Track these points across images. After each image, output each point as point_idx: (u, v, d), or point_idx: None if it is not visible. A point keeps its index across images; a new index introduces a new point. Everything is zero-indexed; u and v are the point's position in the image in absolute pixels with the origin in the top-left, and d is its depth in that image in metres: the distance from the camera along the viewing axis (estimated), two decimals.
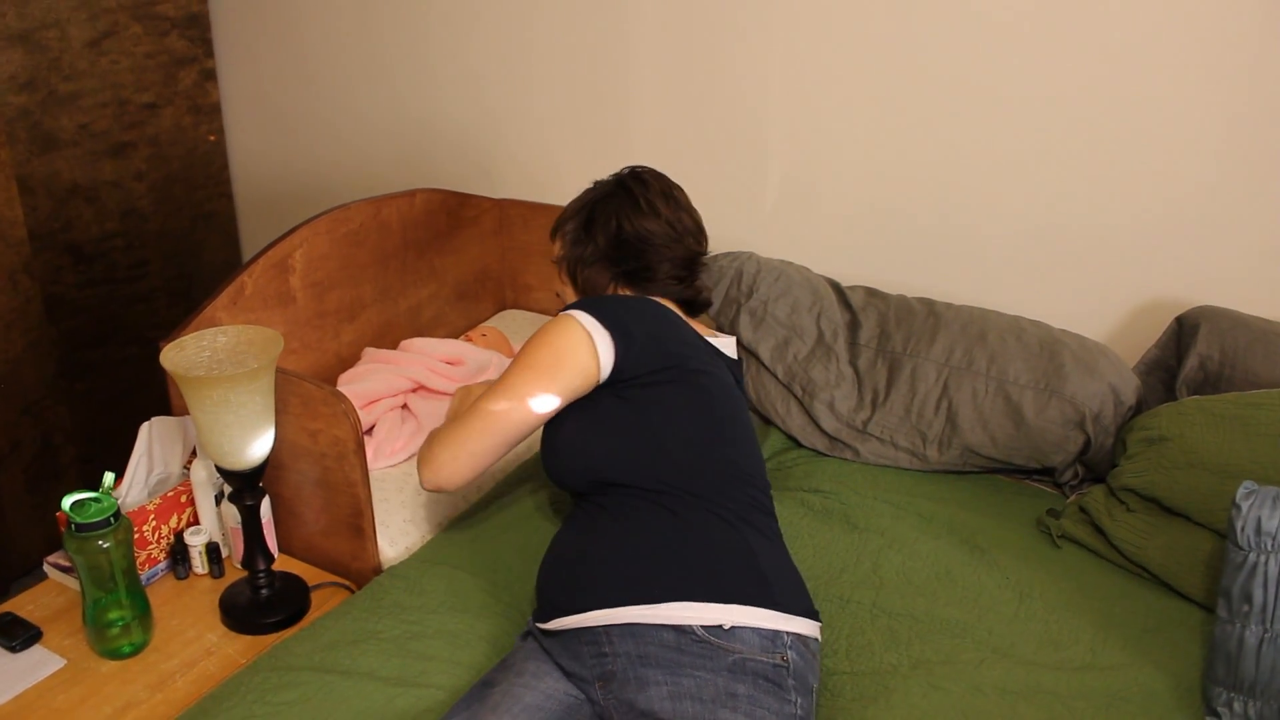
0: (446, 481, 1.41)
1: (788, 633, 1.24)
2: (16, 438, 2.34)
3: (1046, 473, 1.81)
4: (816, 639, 1.30)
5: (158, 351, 1.37)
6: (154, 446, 1.60)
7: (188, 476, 1.63)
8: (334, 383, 1.91)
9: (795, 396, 1.86)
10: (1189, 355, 1.73)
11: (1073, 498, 1.74)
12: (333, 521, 1.57)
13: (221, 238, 2.81)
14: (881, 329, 1.86)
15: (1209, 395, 1.66)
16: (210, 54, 2.65)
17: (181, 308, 2.69)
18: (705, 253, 1.61)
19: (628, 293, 1.60)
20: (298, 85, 2.65)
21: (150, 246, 2.60)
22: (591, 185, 1.65)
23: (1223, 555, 1.36)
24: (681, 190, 1.61)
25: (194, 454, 1.65)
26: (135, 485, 1.58)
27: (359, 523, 1.55)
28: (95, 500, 1.37)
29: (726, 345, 1.57)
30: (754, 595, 1.25)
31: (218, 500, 1.59)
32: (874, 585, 1.52)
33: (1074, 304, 1.94)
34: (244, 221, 2.87)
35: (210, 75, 2.67)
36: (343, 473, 1.53)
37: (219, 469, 1.42)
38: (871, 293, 1.95)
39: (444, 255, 2.25)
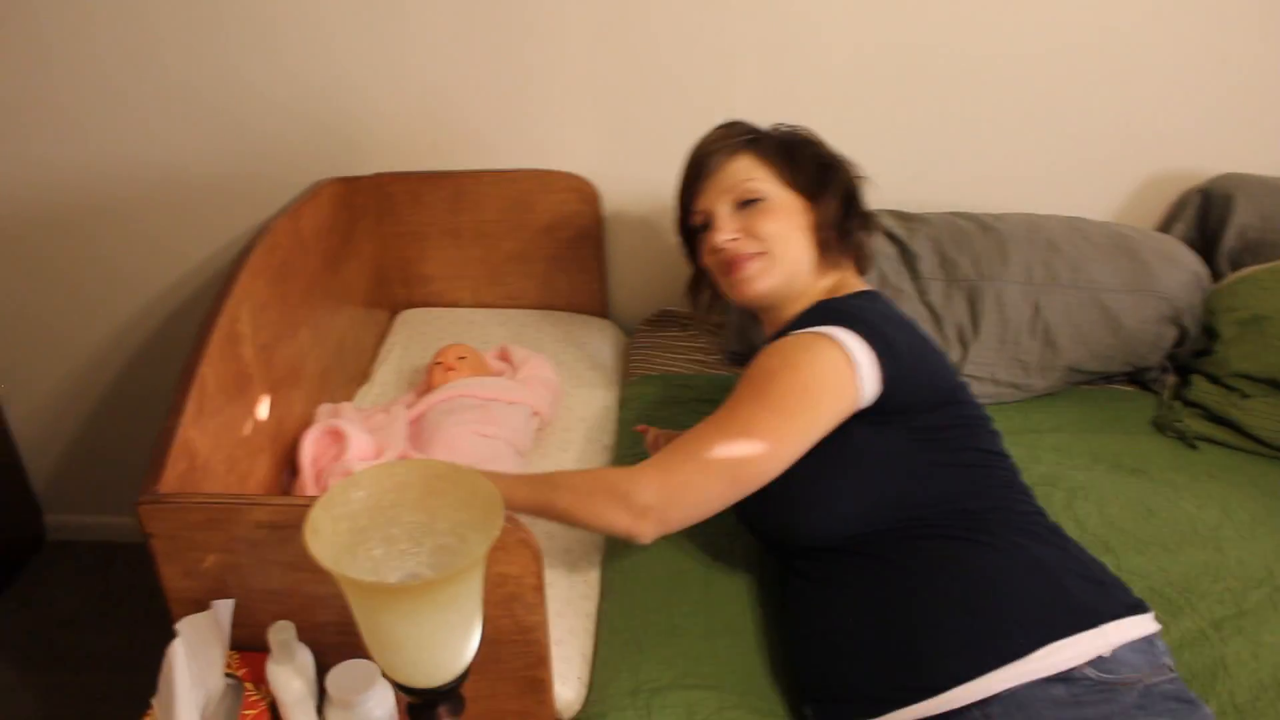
0: (674, 530, 1.13)
1: (1154, 636, 1.06)
2: None
3: (1129, 373, 1.74)
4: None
5: None
6: (192, 663, 1.03)
7: (234, 685, 1.08)
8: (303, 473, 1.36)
9: None
10: (1227, 227, 1.72)
11: (1165, 393, 1.68)
12: (495, 678, 1.12)
13: None
14: (941, 255, 1.66)
15: (1266, 265, 1.66)
16: None
17: None
18: None
19: (844, 271, 1.32)
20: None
21: None
22: (740, 123, 1.35)
23: None
24: None
25: (232, 651, 1.10)
26: None
27: (537, 674, 1.11)
28: None
29: None
30: (1106, 606, 1.05)
31: (319, 709, 1.07)
32: (1101, 548, 1.37)
33: (1079, 190, 1.85)
34: None
35: None
36: (514, 618, 1.07)
37: (404, 688, 0.92)
38: (901, 216, 1.73)
39: (349, 261, 1.70)
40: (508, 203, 1.87)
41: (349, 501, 0.89)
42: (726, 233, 1.27)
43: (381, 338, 1.87)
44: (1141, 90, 1.76)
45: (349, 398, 1.67)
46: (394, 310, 1.96)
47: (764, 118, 1.76)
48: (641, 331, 1.95)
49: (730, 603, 1.28)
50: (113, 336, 2.08)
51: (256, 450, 1.31)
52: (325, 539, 0.85)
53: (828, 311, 1.19)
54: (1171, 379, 1.70)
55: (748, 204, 1.28)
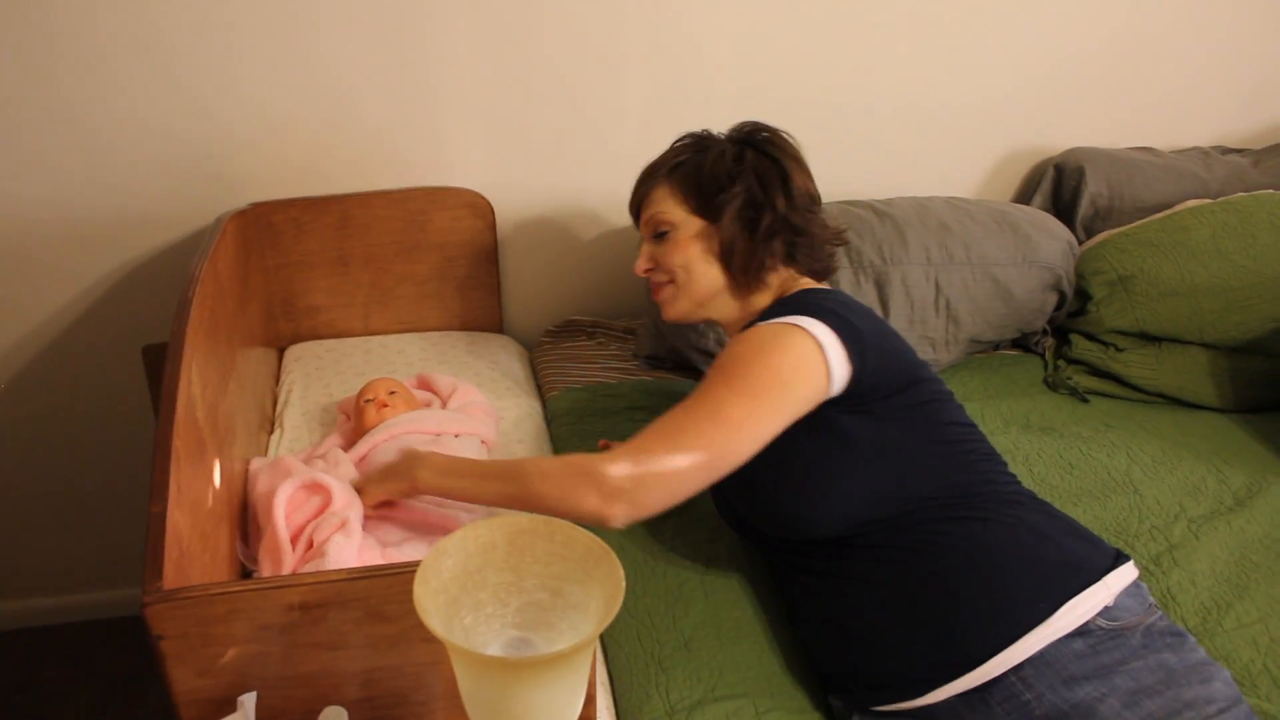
0: (646, 516, 1.13)
1: (1138, 579, 1.16)
2: None
3: (1014, 339, 1.88)
4: None
5: None
6: None
7: None
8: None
9: None
10: (1081, 196, 1.90)
11: (1047, 354, 1.84)
12: None
13: None
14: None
15: (1121, 229, 1.85)
16: None
17: None
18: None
19: (788, 273, 1.33)
20: None
21: None
22: (691, 139, 1.36)
23: None
24: None
25: None
26: None
27: (586, 713, 1.08)
28: None
29: None
30: (1100, 559, 1.15)
31: None
32: None
33: (941, 170, 1.99)
34: None
35: None
36: None
37: None
38: None
39: (250, 302, 1.56)
40: (399, 224, 1.78)
41: (441, 572, 0.83)
42: (641, 262, 1.36)
43: (276, 379, 1.74)
44: (991, 76, 1.91)
45: (262, 448, 1.55)
46: (280, 347, 1.82)
47: (652, 126, 1.80)
48: (544, 344, 1.91)
49: (733, 606, 1.30)
50: None
51: (218, 521, 1.19)
52: (435, 619, 0.80)
53: (789, 304, 1.23)
54: (1050, 341, 1.86)
55: (660, 235, 1.33)
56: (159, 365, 1.77)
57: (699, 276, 1.30)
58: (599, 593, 0.83)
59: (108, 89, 1.60)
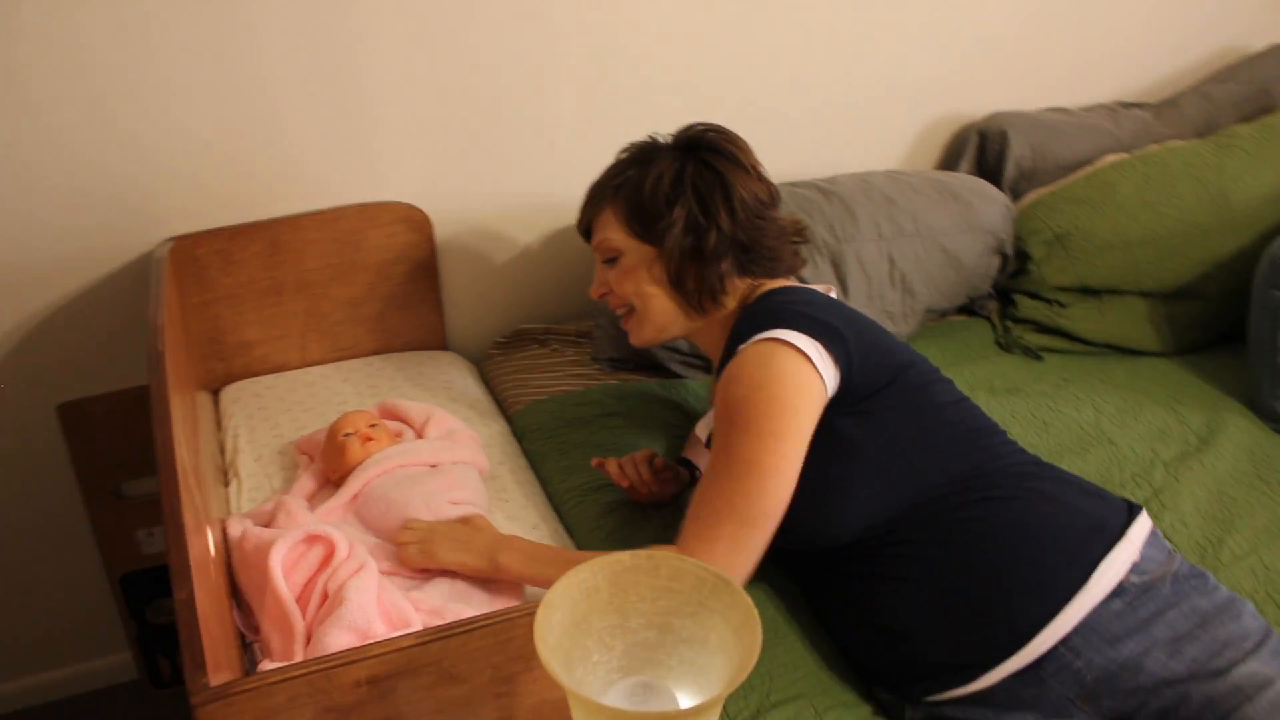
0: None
1: (1154, 529, 1.19)
2: None
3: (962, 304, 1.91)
4: None
5: None
6: None
7: None
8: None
9: None
10: (1006, 160, 1.94)
11: (993, 316, 1.88)
12: None
13: None
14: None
15: (1048, 188, 1.91)
16: None
17: None
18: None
19: (747, 282, 1.30)
20: None
21: None
22: (634, 151, 1.32)
23: None
24: None
25: None
26: None
27: None
28: None
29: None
30: (1116, 515, 1.17)
31: None
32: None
33: (865, 143, 1.99)
34: None
35: None
36: None
37: None
38: None
39: (191, 345, 1.43)
40: (332, 245, 1.66)
41: (552, 628, 0.77)
42: (595, 286, 1.35)
43: (217, 424, 1.60)
44: (907, 49, 1.92)
45: (224, 502, 1.42)
46: (214, 389, 1.68)
47: (587, 124, 1.76)
48: (494, 357, 1.83)
49: (764, 606, 1.26)
50: None
51: (217, 591, 1.08)
52: (568, 680, 0.73)
53: (760, 315, 1.20)
54: (994, 303, 1.90)
55: (610, 260, 1.32)
56: (78, 425, 1.62)
57: (654, 303, 1.29)
58: (720, 624, 0.79)
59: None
